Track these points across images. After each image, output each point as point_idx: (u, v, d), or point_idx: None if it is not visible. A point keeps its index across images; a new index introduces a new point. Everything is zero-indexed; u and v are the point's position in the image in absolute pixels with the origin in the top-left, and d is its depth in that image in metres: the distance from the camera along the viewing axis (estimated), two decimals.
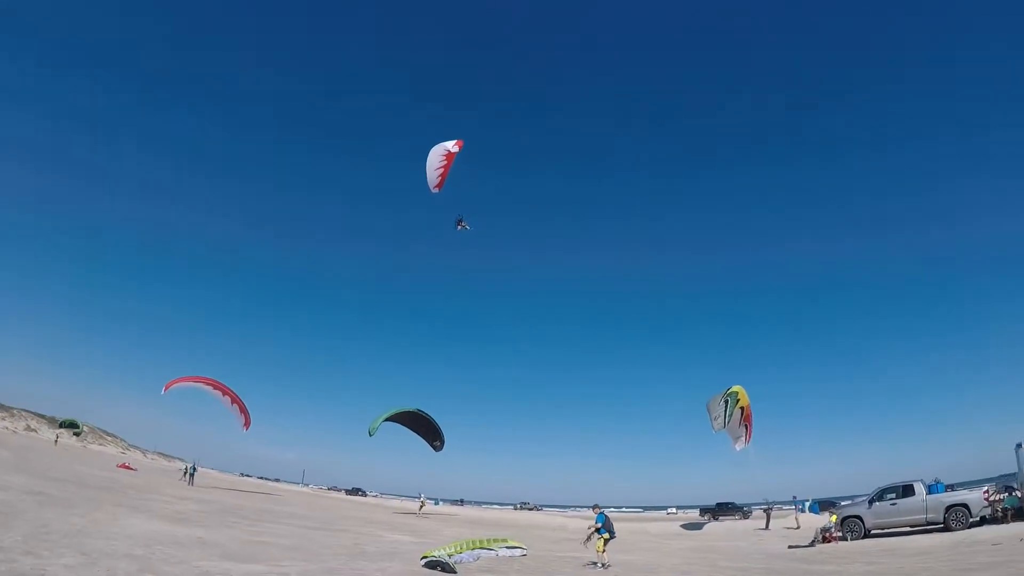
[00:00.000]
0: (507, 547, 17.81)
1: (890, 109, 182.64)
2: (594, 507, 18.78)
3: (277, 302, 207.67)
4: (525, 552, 17.60)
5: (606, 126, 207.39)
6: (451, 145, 23.08)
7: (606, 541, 17.08)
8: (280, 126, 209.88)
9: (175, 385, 37.75)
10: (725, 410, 33.38)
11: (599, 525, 17.19)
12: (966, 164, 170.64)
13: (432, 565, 15.18)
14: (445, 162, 23.24)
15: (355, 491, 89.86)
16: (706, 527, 41.41)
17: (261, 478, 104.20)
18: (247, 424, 40.31)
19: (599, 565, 16.85)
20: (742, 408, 34.26)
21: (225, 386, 39.58)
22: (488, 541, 19.20)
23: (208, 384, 38.98)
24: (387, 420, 37.62)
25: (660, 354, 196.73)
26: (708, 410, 34.90)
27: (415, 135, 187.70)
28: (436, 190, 23.69)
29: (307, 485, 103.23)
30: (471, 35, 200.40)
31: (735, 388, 34.29)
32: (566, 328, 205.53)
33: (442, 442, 39.95)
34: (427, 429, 39.51)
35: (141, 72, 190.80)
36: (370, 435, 36.96)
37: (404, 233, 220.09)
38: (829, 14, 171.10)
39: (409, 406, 38.53)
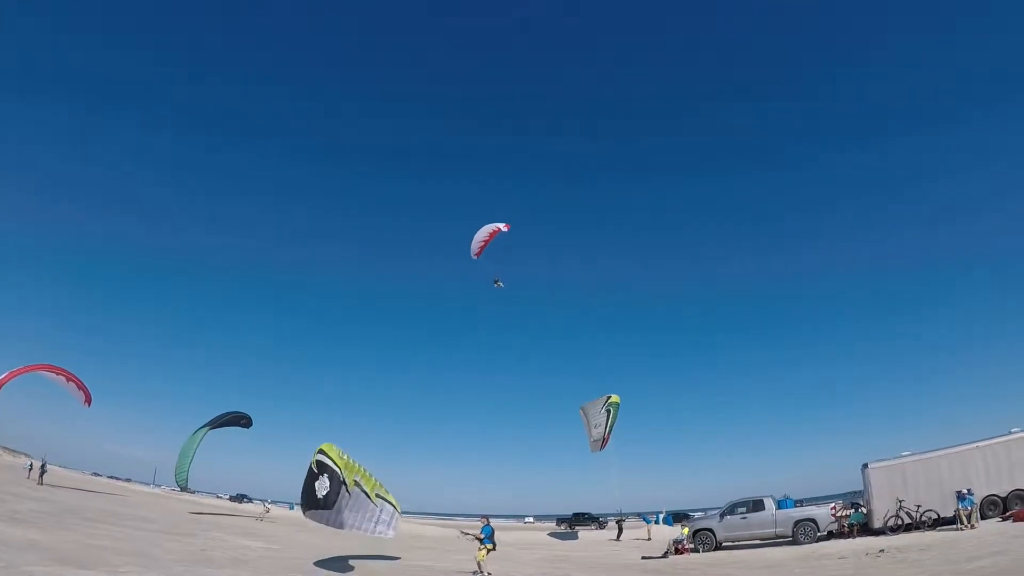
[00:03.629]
0: (381, 497, 19.19)
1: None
2: (483, 518, 18.92)
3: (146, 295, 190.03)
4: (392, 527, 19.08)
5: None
6: (502, 226, 27.53)
7: (488, 551, 17.37)
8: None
9: (7, 382, 34.98)
10: (607, 419, 33.22)
11: (482, 536, 17.56)
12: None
13: (321, 467, 16.64)
14: (488, 237, 27.54)
15: (240, 498, 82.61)
16: (562, 537, 40.78)
17: (111, 477, 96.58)
18: (88, 400, 38.03)
19: (485, 574, 16.98)
20: (613, 421, 33.92)
21: (58, 367, 37.14)
22: (382, 488, 19.97)
23: (40, 369, 36.43)
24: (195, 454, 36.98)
25: (516, 361, 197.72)
26: (586, 416, 34.58)
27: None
28: (475, 257, 28.03)
29: (158, 486, 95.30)
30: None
31: (615, 398, 34.05)
32: (416, 332, 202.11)
33: (248, 419, 39.95)
34: (231, 420, 39.40)
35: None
36: (184, 488, 36.99)
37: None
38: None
39: (199, 430, 37.67)
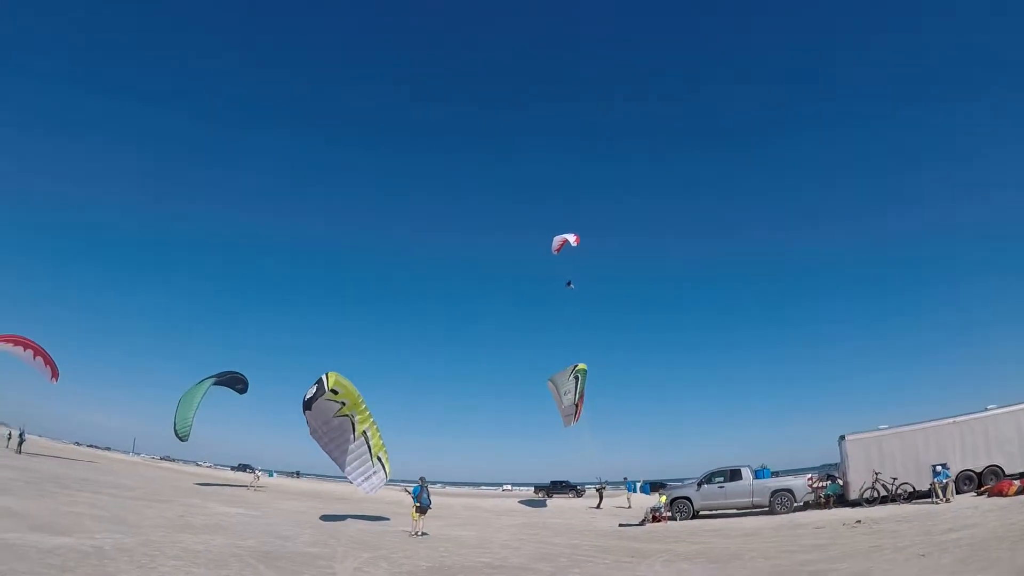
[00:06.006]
0: (380, 459, 22.41)
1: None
2: (421, 479, 20.07)
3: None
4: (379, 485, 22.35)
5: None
6: (571, 238, 32.45)
7: (418, 511, 18.80)
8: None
9: None
10: (576, 386, 33.52)
11: (409, 490, 19.67)
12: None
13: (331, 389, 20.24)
14: (560, 244, 32.66)
15: (243, 468, 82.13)
16: (539, 504, 41.15)
17: (91, 446, 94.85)
18: (55, 375, 37.26)
19: (412, 533, 18.48)
20: (581, 388, 34.30)
21: (24, 338, 36.27)
22: (377, 433, 22.86)
23: (5, 341, 35.47)
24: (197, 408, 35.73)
25: (494, 331, 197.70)
26: (555, 385, 34.86)
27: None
28: (555, 253, 32.87)
29: (138, 454, 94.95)
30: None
31: (582, 365, 34.35)
32: (396, 302, 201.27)
33: (245, 384, 39.37)
34: (230, 381, 38.58)
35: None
36: (184, 440, 35.13)
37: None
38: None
39: (205, 380, 36.68)
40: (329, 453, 21.62)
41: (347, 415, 21.24)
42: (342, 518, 23.13)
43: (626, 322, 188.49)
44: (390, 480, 24.40)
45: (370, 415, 22.13)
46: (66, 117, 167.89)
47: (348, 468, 21.91)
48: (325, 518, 22.86)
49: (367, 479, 22.11)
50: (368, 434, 21.83)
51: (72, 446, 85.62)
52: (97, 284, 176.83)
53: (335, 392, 20.43)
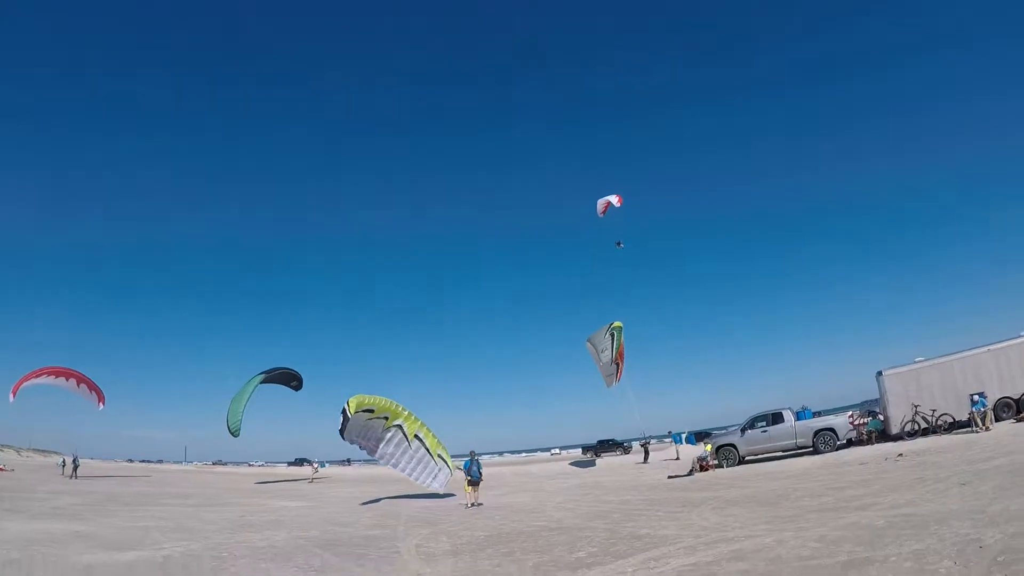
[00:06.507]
0: (442, 456, 23.57)
1: None
2: (471, 453, 20.96)
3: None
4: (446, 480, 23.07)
5: None
6: (614, 199, 32.90)
7: (470, 483, 19.86)
8: None
9: (21, 387, 35.57)
10: (612, 343, 33.98)
11: (463, 470, 20.42)
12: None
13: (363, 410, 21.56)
14: (604, 206, 32.98)
15: (300, 462, 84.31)
16: (588, 465, 42.00)
17: (144, 461, 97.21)
18: (101, 401, 38.46)
19: (467, 505, 19.47)
20: (618, 345, 34.74)
21: (68, 369, 37.44)
22: (429, 433, 23.85)
23: (51, 374, 36.60)
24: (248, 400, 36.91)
25: (532, 299, 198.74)
26: (593, 345, 35.31)
27: None
28: (601, 215, 33.28)
29: (190, 463, 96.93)
30: None
31: (617, 323, 34.73)
32: (428, 275, 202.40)
33: (299, 381, 40.30)
34: (282, 377, 39.56)
35: None
36: (236, 435, 36.29)
37: None
38: None
39: (255, 378, 37.93)
40: (395, 466, 22.99)
41: (395, 426, 22.43)
42: (400, 499, 23.63)
43: (665, 274, 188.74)
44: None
45: (416, 418, 23.14)
46: None
47: (415, 474, 22.94)
48: (381, 501, 23.36)
49: (435, 477, 23.11)
50: (421, 436, 22.89)
51: (125, 464, 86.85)
52: (117, 299, 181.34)
53: (370, 411, 21.56)
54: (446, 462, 23.64)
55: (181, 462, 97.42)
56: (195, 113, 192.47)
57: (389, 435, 22.44)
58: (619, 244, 34.10)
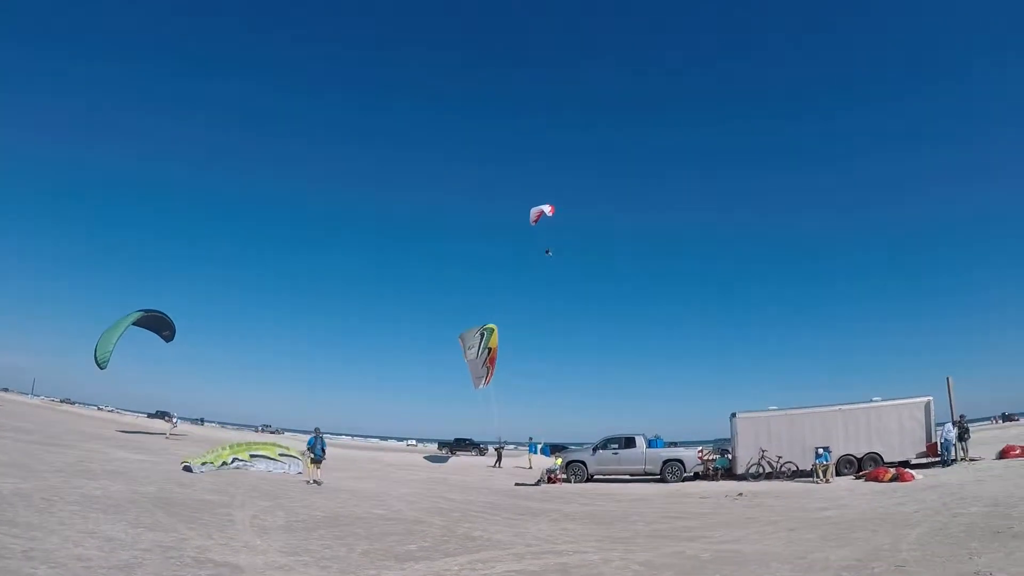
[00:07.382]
0: (285, 455, 23.56)
1: None
2: (315, 430, 21.36)
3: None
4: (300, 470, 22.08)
5: None
6: (547, 209, 32.67)
7: (312, 461, 20.05)
8: None
9: None
10: (480, 342, 34.59)
11: (308, 447, 20.67)
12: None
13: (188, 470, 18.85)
14: (537, 215, 32.82)
15: (161, 415, 76.87)
16: (440, 461, 41.33)
17: None
18: None
19: (308, 481, 19.63)
20: (490, 348, 35.08)
21: None
22: (262, 445, 24.43)
23: None
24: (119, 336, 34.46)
25: (408, 292, 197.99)
26: (462, 340, 35.83)
27: None
28: (533, 224, 33.26)
29: (38, 396, 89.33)
30: None
31: (491, 325, 35.27)
32: (321, 258, 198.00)
33: (172, 332, 38.47)
34: (157, 323, 37.44)
35: None
36: (103, 367, 33.86)
37: None
38: None
39: (132, 314, 35.62)
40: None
41: (241, 459, 22.60)
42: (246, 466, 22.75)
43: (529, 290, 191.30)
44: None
45: (246, 443, 24.62)
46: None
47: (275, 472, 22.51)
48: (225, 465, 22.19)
49: (290, 467, 22.80)
50: (258, 453, 23.36)
51: None
52: None
53: (213, 463, 21.25)
54: (293, 455, 23.76)
55: (28, 394, 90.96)
56: None
57: (246, 465, 22.30)
58: (548, 252, 34.74)
